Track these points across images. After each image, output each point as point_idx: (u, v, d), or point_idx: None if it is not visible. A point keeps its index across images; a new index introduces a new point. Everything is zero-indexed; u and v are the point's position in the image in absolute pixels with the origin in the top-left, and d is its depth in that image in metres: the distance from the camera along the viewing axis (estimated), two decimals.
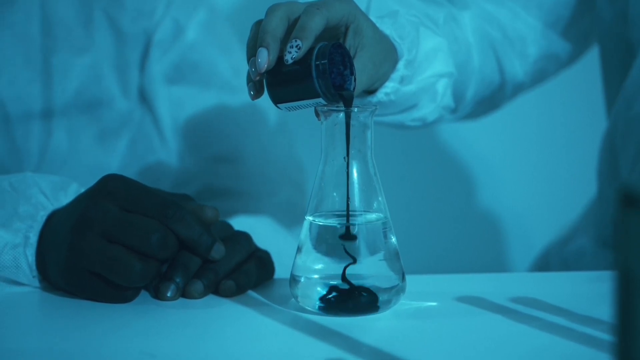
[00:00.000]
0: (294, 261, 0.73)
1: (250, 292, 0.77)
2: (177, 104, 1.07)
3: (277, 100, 0.73)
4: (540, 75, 1.07)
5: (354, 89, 0.73)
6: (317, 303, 0.71)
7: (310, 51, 0.71)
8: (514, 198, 1.57)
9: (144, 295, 0.75)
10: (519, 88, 1.06)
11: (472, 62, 0.98)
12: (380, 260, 0.72)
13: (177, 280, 0.74)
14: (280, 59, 0.71)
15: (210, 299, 0.75)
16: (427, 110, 0.89)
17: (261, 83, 0.73)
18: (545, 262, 1.15)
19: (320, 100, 0.72)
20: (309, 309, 0.72)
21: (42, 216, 0.77)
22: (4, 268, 0.76)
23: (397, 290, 0.72)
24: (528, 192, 1.57)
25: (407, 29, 0.83)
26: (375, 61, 0.77)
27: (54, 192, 0.78)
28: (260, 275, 0.79)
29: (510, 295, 0.75)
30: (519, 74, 1.04)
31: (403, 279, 0.73)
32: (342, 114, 0.72)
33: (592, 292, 0.76)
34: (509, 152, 1.57)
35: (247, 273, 0.77)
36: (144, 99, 1.07)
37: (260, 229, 0.92)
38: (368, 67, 0.77)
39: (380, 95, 0.82)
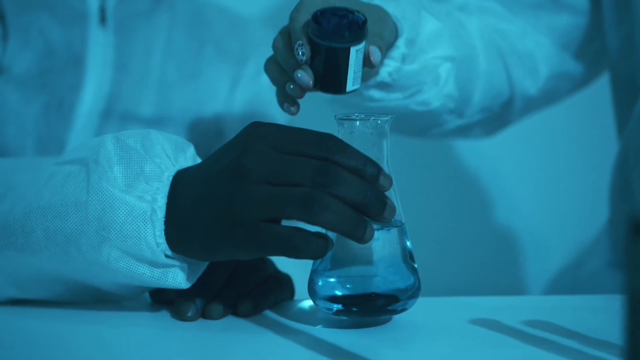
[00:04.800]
0: (313, 262, 0.74)
1: (269, 313, 0.78)
2: None
3: (341, 90, 0.77)
4: (553, 93, 1.07)
5: (365, 20, 0.76)
6: (334, 306, 0.72)
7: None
8: (530, 219, 1.57)
9: (162, 315, 0.76)
10: (530, 103, 1.06)
11: (478, 64, 0.99)
12: (397, 263, 0.72)
13: (197, 300, 0.75)
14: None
15: (229, 319, 0.76)
16: (430, 94, 0.90)
17: (295, 99, 0.77)
18: (560, 285, 1.15)
19: (358, 46, 0.75)
20: (325, 311, 0.72)
21: (167, 177, 0.71)
22: (127, 238, 0.69)
23: (414, 291, 0.73)
24: (544, 213, 1.57)
25: (409, 11, 0.85)
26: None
27: (176, 153, 0.73)
28: (278, 295, 0.79)
29: (524, 318, 0.75)
30: (529, 89, 1.04)
31: (418, 281, 0.74)
32: (358, 123, 0.72)
33: (606, 315, 0.76)
34: (524, 172, 1.57)
35: (264, 293, 0.78)
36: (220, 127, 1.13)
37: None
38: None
39: (383, 74, 0.84)
